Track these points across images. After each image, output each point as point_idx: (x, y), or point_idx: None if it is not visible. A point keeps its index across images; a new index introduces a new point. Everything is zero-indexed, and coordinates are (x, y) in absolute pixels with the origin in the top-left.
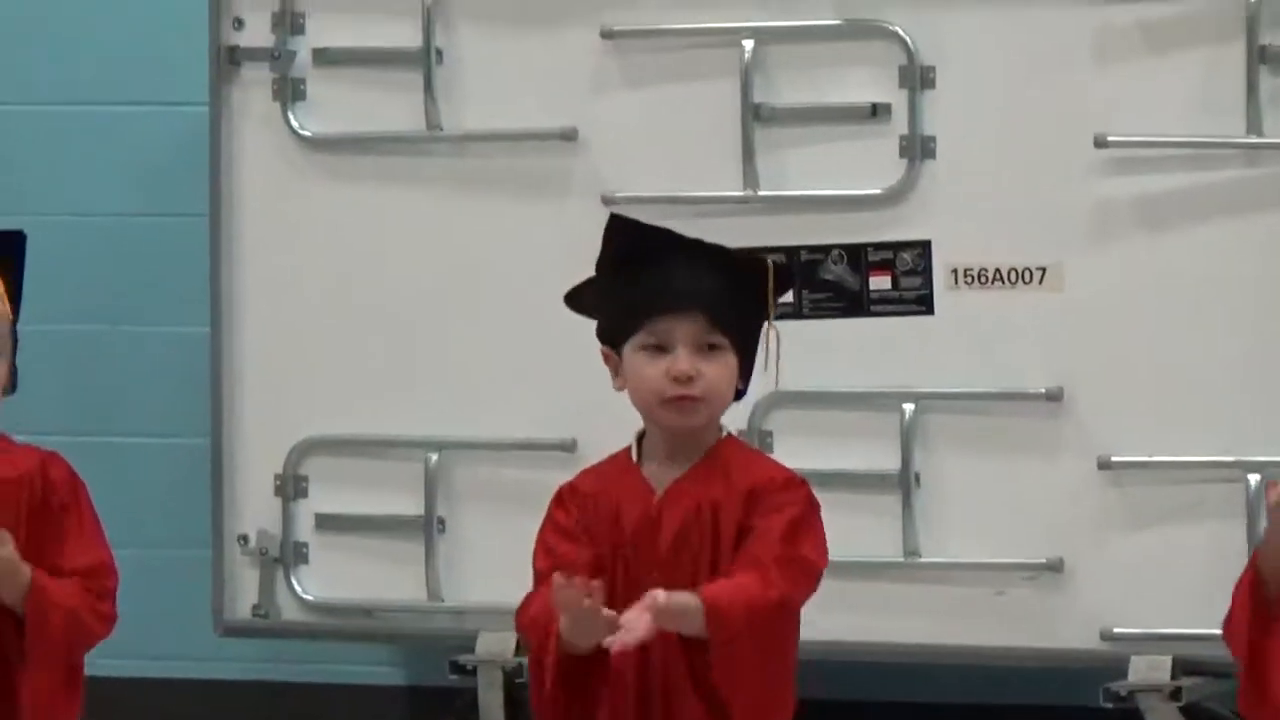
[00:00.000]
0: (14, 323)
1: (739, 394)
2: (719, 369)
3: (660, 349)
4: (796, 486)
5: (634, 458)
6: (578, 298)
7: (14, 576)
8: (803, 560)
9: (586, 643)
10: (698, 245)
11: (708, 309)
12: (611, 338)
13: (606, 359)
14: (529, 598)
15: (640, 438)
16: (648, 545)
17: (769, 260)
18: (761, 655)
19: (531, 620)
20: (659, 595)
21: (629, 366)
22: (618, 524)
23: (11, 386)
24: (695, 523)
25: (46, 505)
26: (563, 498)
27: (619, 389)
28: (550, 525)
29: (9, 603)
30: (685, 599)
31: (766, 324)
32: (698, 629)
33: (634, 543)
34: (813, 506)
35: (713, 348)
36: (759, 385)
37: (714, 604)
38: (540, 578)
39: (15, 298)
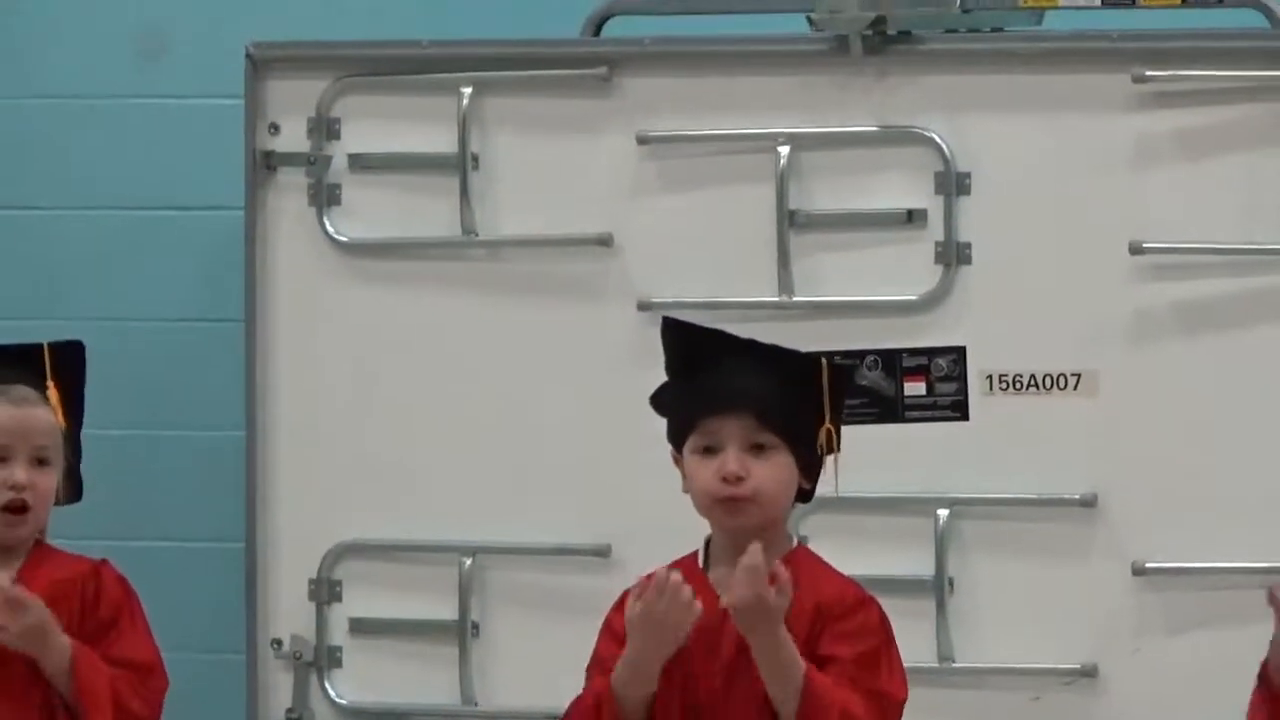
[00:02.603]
0: (76, 431)
1: (806, 496)
2: (770, 469)
3: (711, 450)
4: (868, 607)
5: (700, 562)
6: (655, 402)
7: (50, 639)
8: (884, 695)
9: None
10: (748, 345)
11: (756, 408)
12: (675, 440)
13: (676, 462)
14: (581, 694)
15: (707, 542)
16: (709, 653)
17: (823, 359)
18: None
19: (586, 709)
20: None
21: (687, 468)
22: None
23: (77, 495)
24: None
25: (98, 609)
26: (623, 604)
27: (686, 491)
28: (607, 630)
29: (51, 673)
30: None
31: (823, 427)
32: (789, 686)
33: (695, 652)
34: (887, 630)
35: (763, 447)
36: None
37: (815, 677)
38: (591, 673)
39: (75, 407)
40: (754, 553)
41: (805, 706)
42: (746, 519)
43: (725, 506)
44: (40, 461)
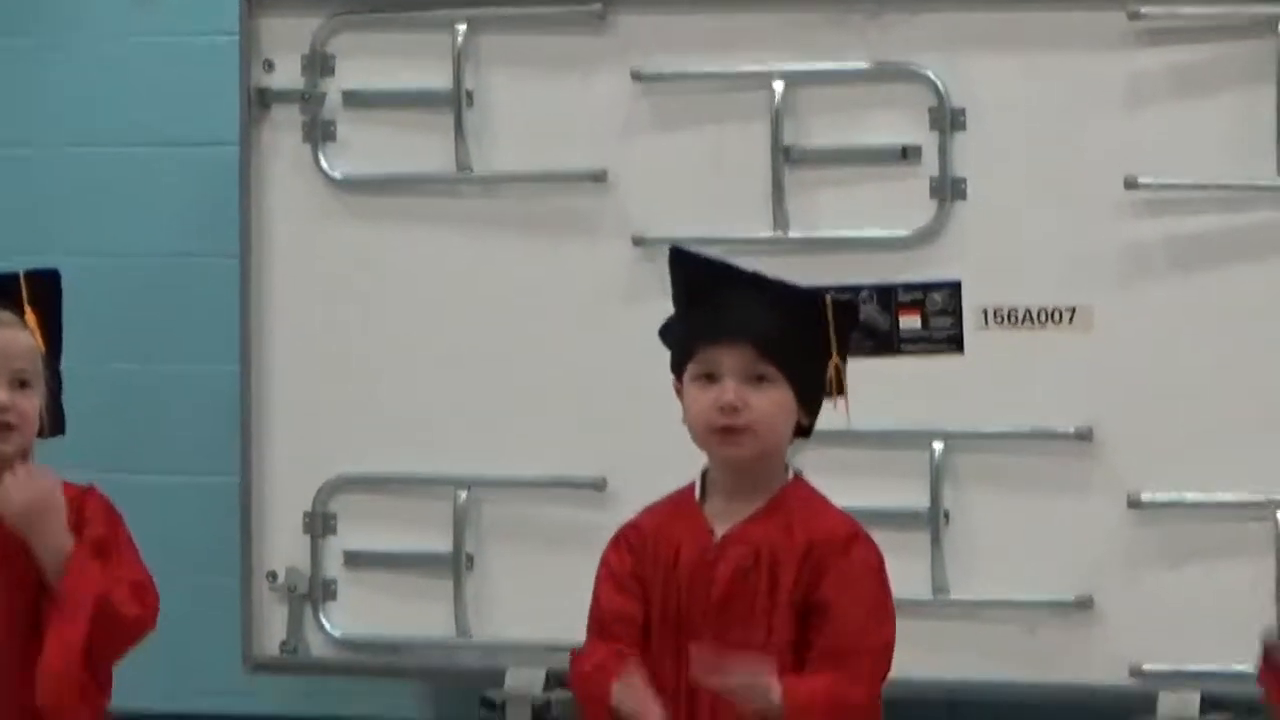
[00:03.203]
0: (56, 362)
1: (805, 431)
2: (768, 401)
3: (711, 379)
4: (862, 544)
5: (696, 494)
6: (663, 333)
7: (46, 524)
8: (886, 647)
9: None
10: (752, 277)
11: (756, 340)
12: (676, 369)
13: (678, 392)
14: (584, 651)
15: (704, 474)
16: (701, 591)
17: (828, 296)
18: None
19: (586, 677)
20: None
21: (685, 396)
22: (675, 566)
23: (60, 428)
24: (752, 571)
25: (83, 535)
26: (620, 541)
27: (684, 421)
28: (605, 572)
29: (47, 564)
30: (769, 682)
31: (831, 360)
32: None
33: (688, 587)
34: (882, 566)
35: (762, 379)
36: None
37: (795, 699)
38: (593, 628)
39: (54, 336)
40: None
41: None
42: (742, 450)
43: (721, 436)
44: (21, 384)
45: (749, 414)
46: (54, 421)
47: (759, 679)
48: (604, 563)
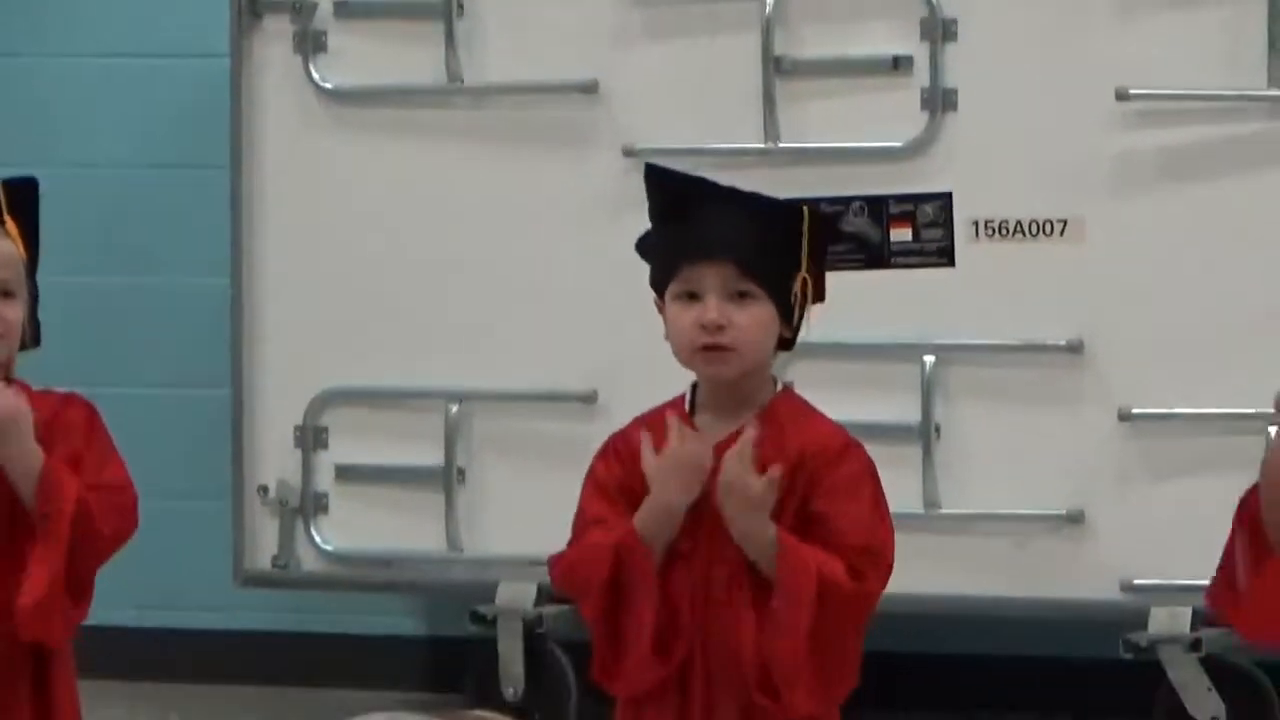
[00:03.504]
0: (32, 271)
1: (788, 344)
2: (751, 318)
3: (693, 297)
4: (855, 453)
5: (686, 408)
6: (640, 248)
7: (31, 449)
8: (884, 545)
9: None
10: (730, 193)
11: (738, 256)
12: (656, 286)
13: (659, 309)
14: (566, 552)
15: (694, 387)
16: (695, 503)
17: (804, 208)
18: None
19: (573, 561)
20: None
21: (667, 315)
22: None
23: (35, 340)
24: None
25: (64, 442)
26: (608, 451)
27: (668, 339)
28: (591, 482)
29: (18, 481)
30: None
31: (797, 275)
32: (766, 555)
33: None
34: (875, 472)
35: (744, 295)
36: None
37: (790, 543)
38: (577, 536)
39: (32, 246)
40: (745, 442)
41: (783, 573)
42: (727, 369)
43: (705, 356)
44: (4, 293)
45: (732, 332)
46: (33, 332)
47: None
48: (591, 473)
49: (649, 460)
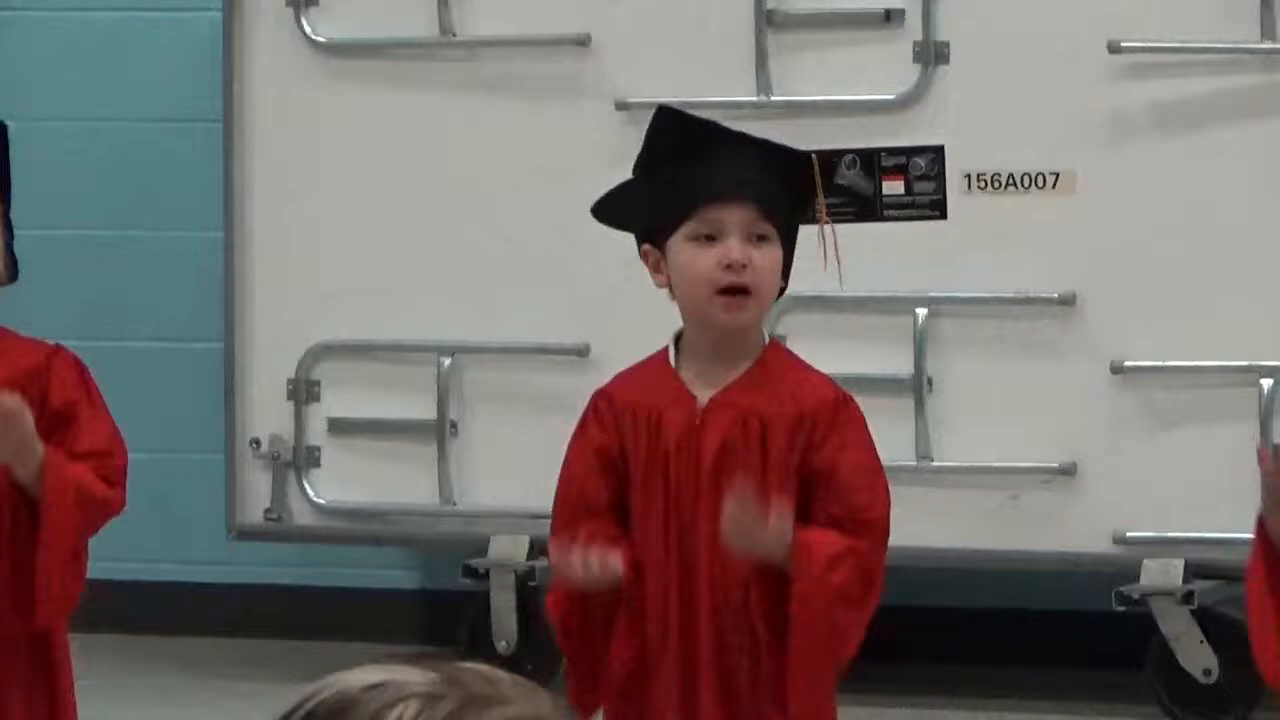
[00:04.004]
0: (6, 209)
1: (780, 291)
2: (768, 260)
3: (711, 239)
4: (850, 405)
5: (671, 360)
6: (609, 205)
7: (31, 449)
8: (888, 507)
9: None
10: (746, 138)
11: (758, 198)
12: (655, 233)
13: (646, 256)
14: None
15: (677, 340)
16: (690, 458)
17: (812, 155)
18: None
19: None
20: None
21: (677, 259)
22: (659, 435)
23: (12, 275)
24: (742, 437)
25: (53, 398)
26: (599, 410)
27: (660, 285)
28: (582, 439)
29: (23, 478)
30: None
31: (821, 222)
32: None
33: (675, 455)
34: (865, 426)
35: (761, 239)
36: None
37: (806, 538)
38: (562, 516)
39: (3, 188)
40: (741, 501)
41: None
42: (746, 314)
43: (724, 302)
44: None
45: (752, 274)
46: (8, 269)
47: (780, 521)
48: (577, 434)
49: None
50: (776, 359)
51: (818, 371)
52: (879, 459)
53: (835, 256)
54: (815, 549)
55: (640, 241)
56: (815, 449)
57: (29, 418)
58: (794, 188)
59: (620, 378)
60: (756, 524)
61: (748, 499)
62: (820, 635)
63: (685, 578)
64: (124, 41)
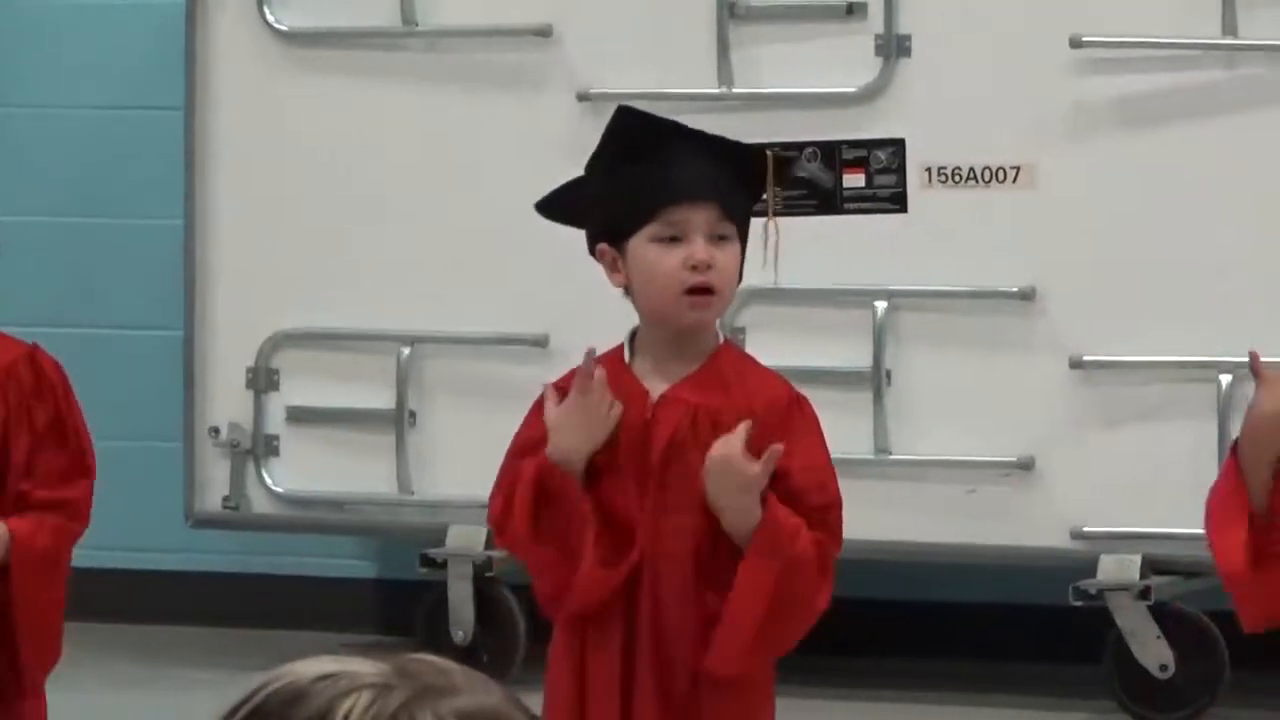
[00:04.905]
0: None
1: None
2: (730, 259)
3: (674, 240)
4: (802, 403)
5: (626, 357)
6: (558, 202)
7: None
8: (840, 498)
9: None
10: (707, 137)
11: (720, 199)
12: (614, 233)
13: (603, 255)
14: (496, 488)
15: (632, 337)
16: (639, 451)
17: (770, 153)
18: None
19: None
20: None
21: (639, 260)
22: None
23: None
24: (691, 432)
25: (37, 407)
26: (553, 390)
27: (618, 284)
28: (533, 424)
29: None
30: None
31: (766, 219)
32: (745, 527)
33: (626, 447)
34: (818, 426)
35: (722, 238)
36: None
37: (774, 508)
38: (507, 464)
39: None
40: (745, 428)
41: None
42: (710, 312)
43: (691, 300)
44: None
45: (716, 274)
46: None
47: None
48: (529, 419)
49: (550, 411)
50: (729, 357)
51: (771, 371)
52: (830, 459)
53: (775, 255)
54: (784, 517)
55: (595, 240)
56: (767, 445)
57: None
58: (751, 183)
59: (574, 373)
60: (744, 462)
61: (740, 439)
62: (764, 586)
63: (631, 565)
64: (85, 27)
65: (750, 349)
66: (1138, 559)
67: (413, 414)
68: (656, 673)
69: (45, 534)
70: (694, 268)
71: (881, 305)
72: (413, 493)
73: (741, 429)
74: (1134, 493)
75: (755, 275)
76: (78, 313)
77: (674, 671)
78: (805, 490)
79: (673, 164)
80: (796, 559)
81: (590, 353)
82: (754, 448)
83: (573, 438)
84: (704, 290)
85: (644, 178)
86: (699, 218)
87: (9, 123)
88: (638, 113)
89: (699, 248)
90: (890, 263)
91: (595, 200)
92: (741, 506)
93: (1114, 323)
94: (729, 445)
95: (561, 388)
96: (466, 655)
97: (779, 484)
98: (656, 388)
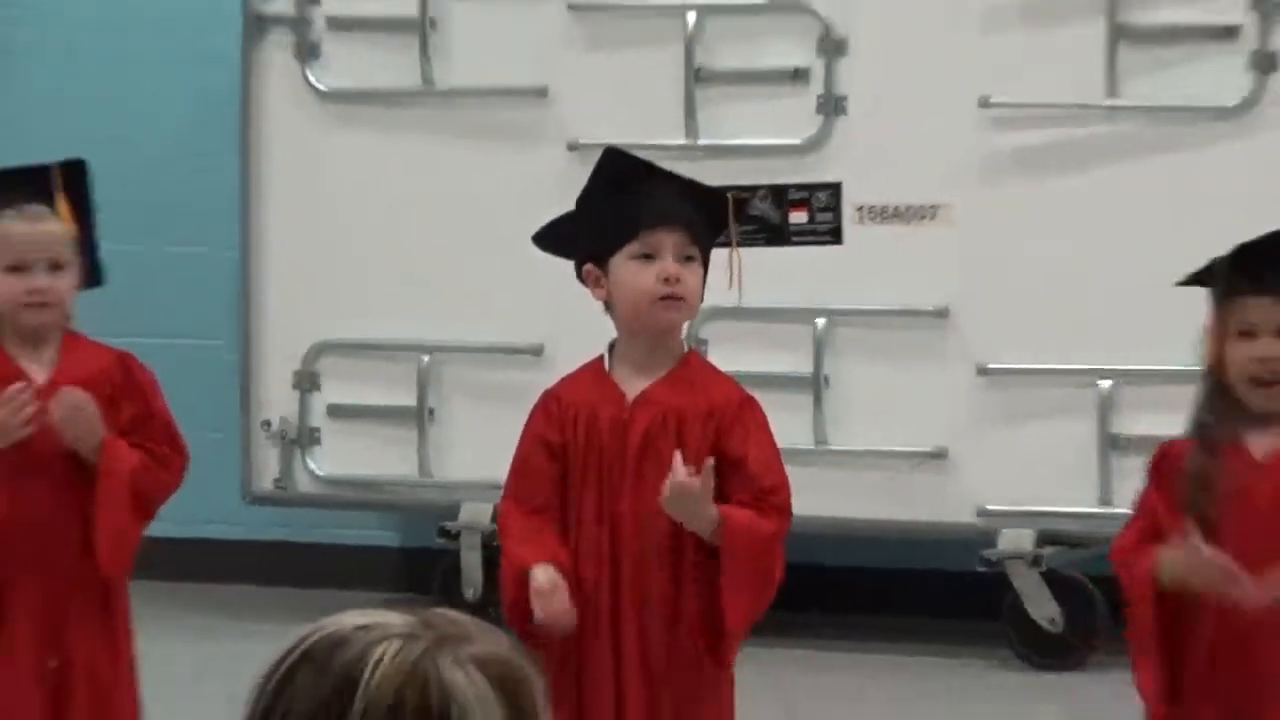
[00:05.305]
0: (91, 232)
1: None
2: (695, 276)
3: (649, 258)
4: (754, 404)
5: (605, 365)
6: (549, 236)
7: (94, 433)
8: (788, 483)
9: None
10: (676, 176)
11: (687, 225)
12: (599, 254)
13: (588, 275)
14: (505, 512)
15: (611, 348)
16: (618, 444)
17: (729, 195)
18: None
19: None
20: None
21: (620, 275)
22: (594, 425)
23: (99, 280)
24: (661, 427)
25: (127, 402)
26: (548, 408)
27: (600, 298)
28: (528, 432)
29: (89, 457)
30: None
31: (731, 249)
32: (708, 529)
33: (608, 442)
34: (767, 424)
35: (689, 258)
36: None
37: (729, 514)
38: (512, 481)
39: (85, 210)
40: (679, 470)
41: (729, 542)
42: (679, 315)
43: (664, 304)
44: (54, 267)
45: (683, 287)
46: (94, 276)
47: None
48: (529, 423)
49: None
50: (693, 364)
51: (728, 376)
52: (778, 449)
53: (739, 279)
54: (739, 511)
55: (581, 263)
56: (724, 437)
57: (93, 408)
58: (712, 219)
59: (565, 381)
60: (692, 493)
61: (684, 474)
62: (746, 560)
63: (613, 541)
64: (150, 83)
65: (711, 358)
66: (1031, 533)
67: (431, 411)
68: (640, 639)
69: (136, 457)
70: (665, 280)
71: (821, 322)
72: (431, 476)
73: (678, 467)
74: (1029, 478)
75: (718, 296)
76: (152, 325)
77: (653, 639)
78: (758, 475)
79: (650, 195)
80: (763, 533)
81: (546, 570)
82: (709, 442)
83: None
84: (673, 297)
85: (626, 206)
86: (670, 240)
87: (95, 162)
88: (622, 153)
89: (670, 264)
90: (828, 286)
91: (585, 224)
92: (700, 517)
93: (1014, 337)
94: (676, 484)
95: (552, 395)
96: (476, 610)
97: (737, 470)
98: (632, 390)
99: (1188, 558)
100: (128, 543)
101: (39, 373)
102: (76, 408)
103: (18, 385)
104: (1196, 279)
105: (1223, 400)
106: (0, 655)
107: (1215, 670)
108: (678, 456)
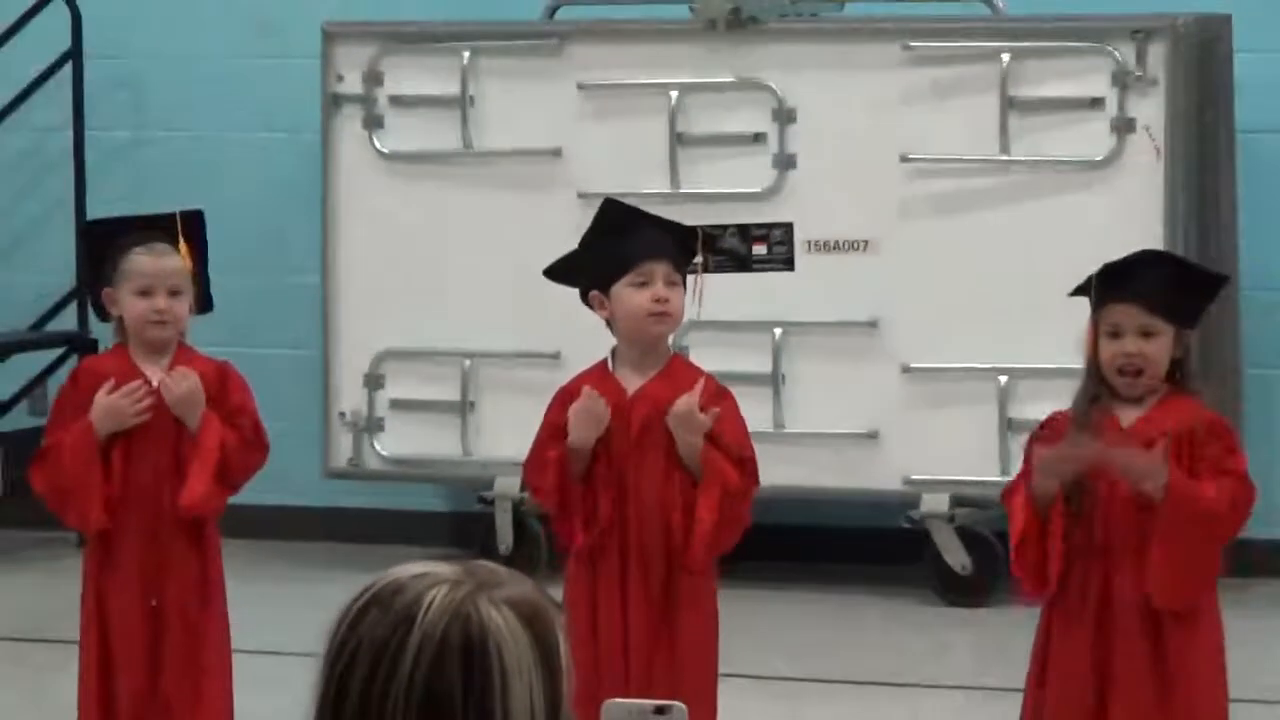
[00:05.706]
0: (204, 266)
1: None
2: (678, 297)
3: (644, 284)
4: (728, 394)
5: (610, 366)
6: (561, 268)
7: (199, 408)
8: (755, 460)
9: (592, 433)
10: (662, 220)
11: (672, 258)
12: (603, 283)
13: (593, 300)
14: (532, 460)
15: (613, 353)
16: (622, 430)
17: (702, 231)
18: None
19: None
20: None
21: (620, 298)
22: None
23: (209, 306)
24: (656, 416)
25: (226, 400)
26: (564, 401)
27: (604, 317)
28: (548, 418)
29: (192, 427)
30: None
31: (697, 274)
32: (696, 461)
33: (613, 428)
34: (739, 410)
35: (672, 284)
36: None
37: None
38: (539, 445)
39: (200, 248)
40: (698, 390)
41: (706, 471)
42: (667, 327)
43: (655, 319)
44: (173, 293)
45: (670, 304)
46: (205, 304)
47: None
48: (549, 411)
49: (573, 410)
50: (678, 365)
51: (705, 372)
52: (747, 428)
53: (699, 300)
54: (722, 458)
55: (588, 290)
56: (716, 421)
57: (198, 382)
58: (688, 251)
59: (577, 378)
60: (694, 414)
61: (690, 402)
62: (723, 503)
63: (621, 506)
64: (259, 150)
65: (692, 360)
66: (947, 497)
67: (472, 403)
68: (643, 567)
69: (228, 432)
70: (656, 300)
71: (778, 331)
72: (472, 455)
73: (698, 388)
74: (944, 453)
75: (698, 312)
76: (249, 337)
77: (653, 567)
78: (732, 446)
79: (641, 235)
80: (735, 482)
81: (591, 388)
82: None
83: (586, 430)
84: (662, 314)
85: (623, 244)
86: (659, 269)
87: (211, 220)
88: (619, 203)
89: (660, 288)
90: (783, 304)
91: (591, 260)
92: (694, 442)
93: (931, 342)
94: (689, 401)
95: (568, 389)
96: (508, 561)
97: (716, 443)
98: (631, 386)
99: (1066, 444)
100: (211, 495)
101: (155, 375)
102: (184, 376)
103: (136, 382)
104: (1079, 290)
105: (1098, 386)
106: (114, 593)
107: (1083, 554)
108: (697, 387)
